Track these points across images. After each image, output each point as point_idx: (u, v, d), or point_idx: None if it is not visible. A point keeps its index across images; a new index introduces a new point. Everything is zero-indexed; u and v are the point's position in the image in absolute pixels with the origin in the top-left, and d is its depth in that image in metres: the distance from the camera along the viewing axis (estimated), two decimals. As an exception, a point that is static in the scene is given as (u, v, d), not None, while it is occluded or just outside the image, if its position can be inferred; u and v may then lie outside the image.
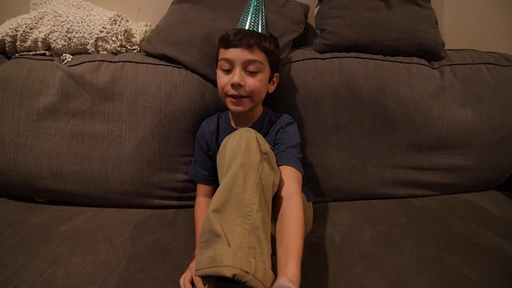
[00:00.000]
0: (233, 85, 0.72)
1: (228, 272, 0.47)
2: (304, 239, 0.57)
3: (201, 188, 0.87)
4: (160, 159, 0.89)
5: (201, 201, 0.85)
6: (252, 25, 0.75)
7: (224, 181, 0.57)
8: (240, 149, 0.60)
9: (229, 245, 0.50)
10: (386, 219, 0.87)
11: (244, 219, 0.53)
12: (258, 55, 0.72)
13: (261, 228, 0.54)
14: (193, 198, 0.88)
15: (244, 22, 0.76)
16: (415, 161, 0.98)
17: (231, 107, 0.75)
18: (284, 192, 0.65)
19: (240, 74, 0.72)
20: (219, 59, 0.75)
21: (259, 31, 0.75)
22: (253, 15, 0.76)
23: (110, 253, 0.70)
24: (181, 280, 0.63)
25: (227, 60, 0.73)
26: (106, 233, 0.77)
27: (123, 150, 0.87)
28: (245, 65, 0.72)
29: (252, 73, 0.73)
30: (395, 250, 0.74)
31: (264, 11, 0.77)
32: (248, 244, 0.51)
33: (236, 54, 0.71)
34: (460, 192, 1.02)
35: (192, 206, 0.86)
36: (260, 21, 0.76)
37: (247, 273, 0.48)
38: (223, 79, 0.74)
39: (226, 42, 0.73)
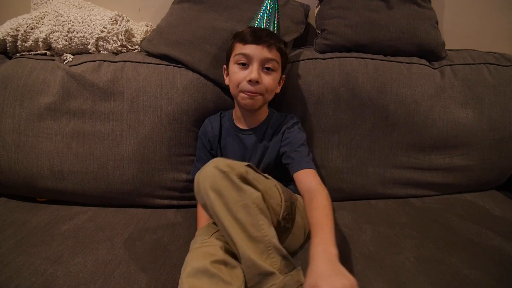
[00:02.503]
0: (251, 81, 0.72)
1: None
2: (332, 220, 0.57)
3: (203, 188, 0.87)
4: (161, 159, 0.89)
5: (203, 201, 0.85)
6: (269, 25, 0.77)
7: (235, 236, 0.56)
8: (215, 201, 0.58)
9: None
10: (386, 219, 0.87)
11: (265, 248, 0.55)
12: (275, 55, 0.73)
13: (278, 245, 0.55)
14: (194, 198, 0.87)
15: (260, 21, 0.77)
16: (415, 161, 0.98)
17: (244, 101, 0.74)
18: (305, 190, 0.67)
19: (258, 71, 0.72)
20: (235, 53, 0.75)
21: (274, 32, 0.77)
22: (269, 16, 0.77)
23: (110, 253, 0.70)
24: (182, 280, 0.63)
25: (244, 55, 0.73)
26: (106, 233, 0.78)
27: (124, 150, 0.87)
28: (263, 63, 0.73)
29: (268, 71, 0.74)
30: (395, 250, 0.74)
31: (278, 13, 0.79)
32: (280, 266, 0.54)
33: (255, 50, 0.72)
34: (460, 192, 1.02)
35: (193, 206, 0.87)
36: (274, 23, 0.78)
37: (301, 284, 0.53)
38: (238, 74, 0.74)
39: (245, 38, 0.73)
